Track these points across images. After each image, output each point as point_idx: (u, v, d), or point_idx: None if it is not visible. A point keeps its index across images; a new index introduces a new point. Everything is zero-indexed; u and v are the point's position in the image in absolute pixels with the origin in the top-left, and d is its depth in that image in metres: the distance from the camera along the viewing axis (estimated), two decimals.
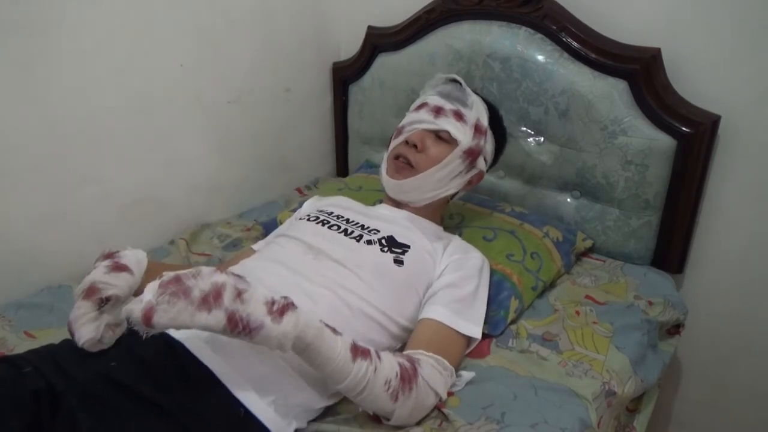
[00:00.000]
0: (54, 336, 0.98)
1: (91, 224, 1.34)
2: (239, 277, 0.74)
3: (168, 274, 0.71)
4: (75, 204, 1.31)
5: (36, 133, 1.21)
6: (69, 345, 0.86)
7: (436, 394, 0.88)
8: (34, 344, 0.89)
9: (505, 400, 0.92)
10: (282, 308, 0.74)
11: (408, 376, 0.83)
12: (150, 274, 0.92)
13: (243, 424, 0.79)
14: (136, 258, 0.91)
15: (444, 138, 1.10)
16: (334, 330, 0.80)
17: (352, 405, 0.91)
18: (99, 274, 0.85)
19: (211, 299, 0.70)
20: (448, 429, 0.86)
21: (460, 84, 1.14)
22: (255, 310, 0.72)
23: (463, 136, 1.09)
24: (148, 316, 0.67)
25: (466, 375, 0.96)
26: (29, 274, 1.26)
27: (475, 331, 1.00)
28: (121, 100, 1.34)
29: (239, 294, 0.72)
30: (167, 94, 1.43)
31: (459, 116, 1.10)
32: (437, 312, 0.97)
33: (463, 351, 1.01)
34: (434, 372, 0.88)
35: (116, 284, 0.85)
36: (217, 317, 0.70)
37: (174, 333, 0.83)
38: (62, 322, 1.10)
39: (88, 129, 1.29)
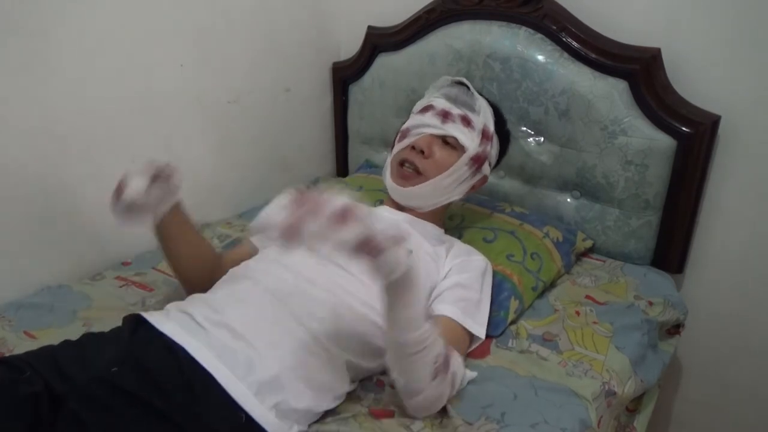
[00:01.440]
0: (54, 336, 0.98)
1: (91, 224, 1.34)
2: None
3: (294, 191, 0.71)
4: (75, 204, 1.31)
5: (35, 133, 1.20)
6: (69, 347, 0.86)
7: (452, 389, 0.89)
8: (34, 344, 0.89)
9: (505, 400, 0.92)
10: (400, 238, 0.74)
11: (446, 362, 0.86)
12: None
13: (244, 429, 0.79)
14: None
15: (451, 143, 1.09)
16: None
17: (353, 405, 0.91)
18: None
19: (347, 215, 0.69)
20: (447, 426, 0.87)
21: (468, 87, 1.13)
22: (383, 231, 0.71)
23: (471, 142, 1.08)
24: (291, 232, 0.67)
25: (469, 374, 0.96)
26: (29, 274, 1.26)
27: (480, 331, 1.01)
28: (122, 100, 1.33)
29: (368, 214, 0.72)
30: (167, 94, 1.43)
31: (467, 122, 1.09)
32: (446, 309, 0.98)
33: (467, 349, 1.01)
34: (460, 368, 0.91)
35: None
36: (356, 231, 0.69)
37: (175, 337, 0.83)
38: (62, 322, 1.11)
39: (87, 129, 1.29)
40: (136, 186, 0.89)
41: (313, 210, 0.68)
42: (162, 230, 1.01)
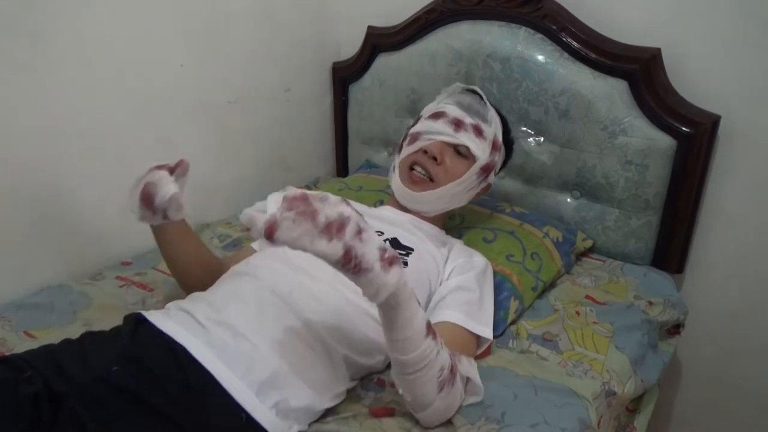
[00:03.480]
0: (54, 336, 0.98)
1: (91, 224, 1.34)
2: (360, 214, 0.74)
3: (293, 190, 0.70)
4: (75, 204, 1.31)
5: (36, 133, 1.20)
6: (69, 346, 0.86)
7: (461, 396, 0.88)
8: (34, 344, 0.89)
9: (505, 400, 0.92)
10: (391, 259, 0.74)
11: (453, 373, 0.84)
12: None
13: (244, 428, 0.79)
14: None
15: (462, 153, 1.11)
16: (418, 301, 0.81)
17: (353, 404, 0.91)
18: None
19: (334, 229, 0.69)
20: (448, 426, 0.86)
21: (480, 96, 1.14)
22: (370, 252, 0.71)
23: (482, 152, 1.10)
24: (271, 230, 0.66)
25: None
26: (29, 274, 1.26)
27: (487, 332, 1.00)
28: (122, 100, 1.34)
29: (359, 232, 0.71)
30: (167, 95, 1.43)
31: (479, 131, 1.10)
32: (450, 315, 0.97)
33: (476, 351, 1.01)
34: (471, 372, 0.89)
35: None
36: (335, 248, 0.69)
37: (175, 336, 0.83)
38: (62, 322, 1.11)
39: (88, 129, 1.29)
40: (173, 189, 0.90)
41: (305, 214, 0.68)
42: (163, 233, 1.01)
